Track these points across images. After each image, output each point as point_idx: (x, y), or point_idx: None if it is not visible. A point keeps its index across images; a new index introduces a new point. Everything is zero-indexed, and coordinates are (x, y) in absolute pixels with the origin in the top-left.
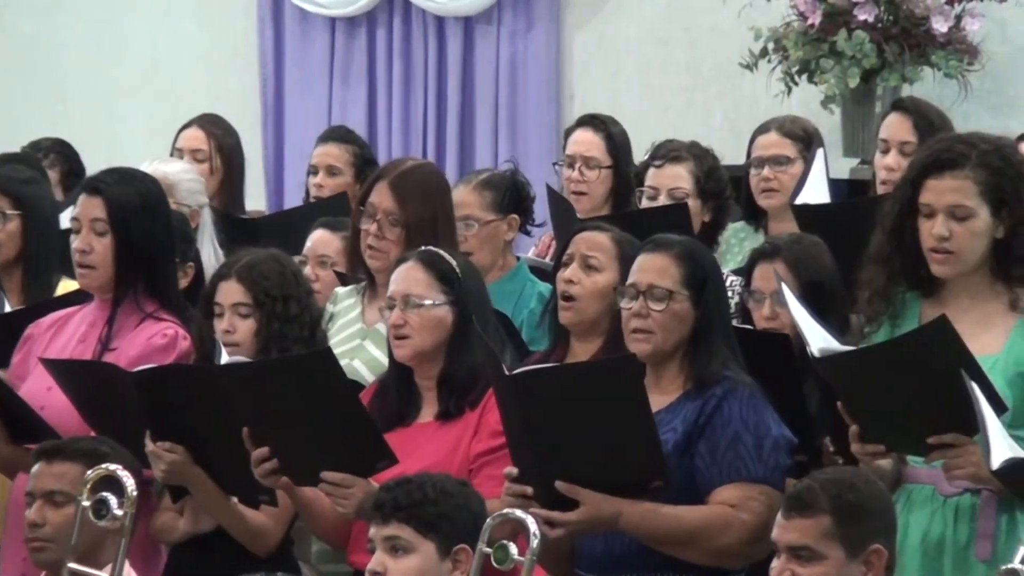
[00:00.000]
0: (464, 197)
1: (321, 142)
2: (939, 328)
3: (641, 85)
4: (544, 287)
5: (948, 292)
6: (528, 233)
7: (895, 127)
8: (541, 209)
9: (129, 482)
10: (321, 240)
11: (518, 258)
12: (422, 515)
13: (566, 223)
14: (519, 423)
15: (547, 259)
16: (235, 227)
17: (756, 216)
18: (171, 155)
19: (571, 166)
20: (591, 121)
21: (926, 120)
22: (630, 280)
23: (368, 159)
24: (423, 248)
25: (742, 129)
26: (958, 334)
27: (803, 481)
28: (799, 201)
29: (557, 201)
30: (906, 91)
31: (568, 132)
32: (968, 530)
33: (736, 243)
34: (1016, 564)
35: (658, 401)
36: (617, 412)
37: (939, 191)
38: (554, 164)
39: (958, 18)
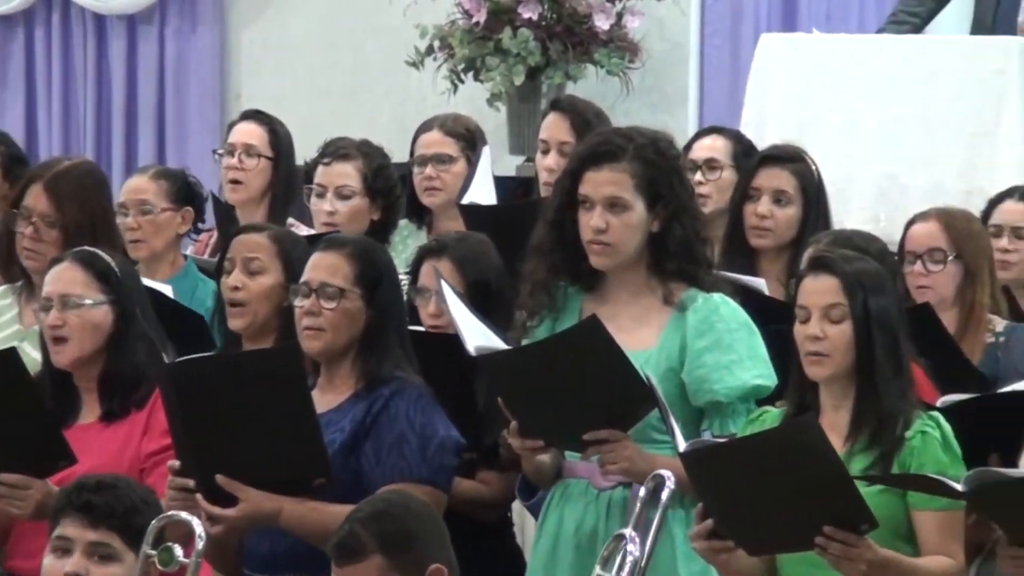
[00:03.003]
0: (140, 184)
1: None
2: (590, 327)
3: (308, 84)
4: (215, 284)
5: (608, 287)
6: (198, 232)
7: (553, 127)
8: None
9: None
10: None
11: (185, 257)
12: (132, 525)
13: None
14: (180, 415)
15: (206, 255)
16: None
17: (420, 214)
18: None
19: (231, 154)
20: (255, 115)
21: (583, 119)
22: (303, 278)
23: (16, 157)
24: (79, 248)
25: (409, 127)
26: (608, 332)
27: (343, 527)
28: (466, 200)
29: (220, 206)
30: (570, 89)
31: (231, 125)
32: (620, 524)
33: (400, 241)
34: (627, 530)
35: (329, 401)
36: (277, 403)
37: (597, 183)
38: (214, 152)
39: (619, 16)
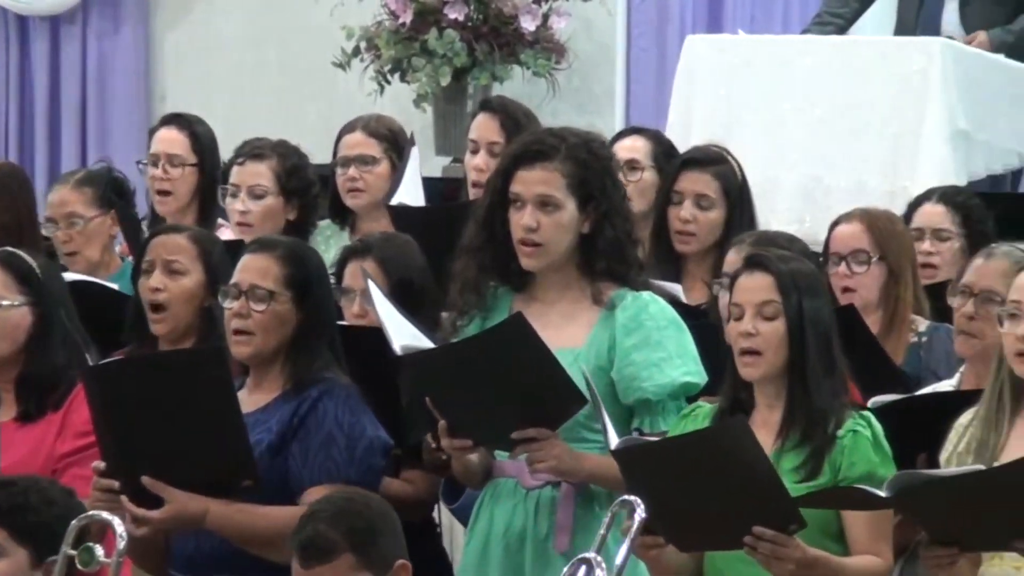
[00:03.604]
0: (64, 196)
1: None
2: (514, 324)
3: (234, 85)
4: None
5: (537, 286)
6: None
7: (483, 127)
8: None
9: None
10: None
11: (122, 258)
12: (21, 522)
13: (137, 236)
14: (105, 416)
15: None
16: None
17: (343, 215)
18: None
19: (155, 164)
20: (175, 119)
21: (513, 119)
22: (233, 279)
23: None
24: (1, 248)
25: (336, 128)
26: (533, 329)
27: (306, 526)
28: (394, 201)
29: (127, 216)
30: (496, 90)
31: (152, 131)
32: (548, 523)
33: (323, 242)
34: (591, 553)
35: (256, 401)
36: (203, 405)
37: (528, 182)
38: (138, 163)
39: (545, 17)
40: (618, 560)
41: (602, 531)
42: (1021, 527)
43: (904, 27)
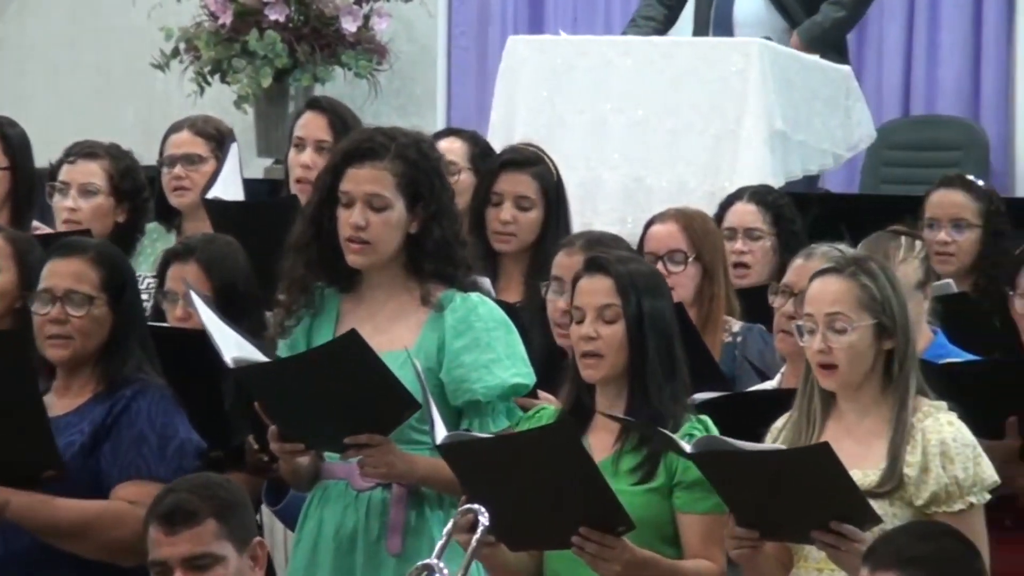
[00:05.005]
0: None
1: None
2: (349, 341)
3: (49, 87)
4: None
5: (365, 286)
6: None
7: (311, 125)
8: None
9: None
10: None
11: None
12: None
13: None
14: None
15: None
16: None
17: (169, 216)
18: None
19: None
20: None
21: (341, 119)
22: (45, 284)
23: None
24: None
25: (155, 129)
26: (368, 346)
27: (165, 498)
28: (211, 196)
29: None
30: (318, 91)
31: None
32: (379, 524)
33: (149, 244)
34: (432, 560)
35: (67, 404)
36: (1, 393)
37: (358, 180)
38: None
39: (367, 18)
40: (460, 572)
41: (443, 538)
42: (817, 518)
43: (700, 26)
